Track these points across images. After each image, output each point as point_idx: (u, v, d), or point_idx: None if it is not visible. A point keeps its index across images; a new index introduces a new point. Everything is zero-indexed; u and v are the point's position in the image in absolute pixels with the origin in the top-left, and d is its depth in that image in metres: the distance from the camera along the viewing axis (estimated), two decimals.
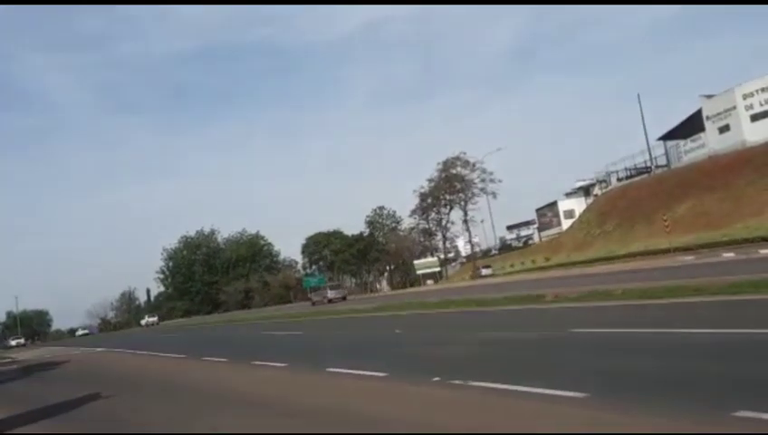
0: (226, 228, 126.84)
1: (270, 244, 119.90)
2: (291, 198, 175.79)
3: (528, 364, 9.23)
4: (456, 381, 8.13)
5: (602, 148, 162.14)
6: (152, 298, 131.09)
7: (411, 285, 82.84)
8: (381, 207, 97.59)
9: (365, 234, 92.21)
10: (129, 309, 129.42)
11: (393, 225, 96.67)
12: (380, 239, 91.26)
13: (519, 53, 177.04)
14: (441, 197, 75.23)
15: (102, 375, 18.28)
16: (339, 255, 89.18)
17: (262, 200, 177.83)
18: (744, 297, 13.72)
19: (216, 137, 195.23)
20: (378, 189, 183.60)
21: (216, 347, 23.06)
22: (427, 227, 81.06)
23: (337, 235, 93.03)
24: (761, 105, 52.38)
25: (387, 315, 24.52)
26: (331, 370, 10.98)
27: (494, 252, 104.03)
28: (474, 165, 72.75)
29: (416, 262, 77.86)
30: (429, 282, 79.32)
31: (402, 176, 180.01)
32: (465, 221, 75.80)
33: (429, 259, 78.44)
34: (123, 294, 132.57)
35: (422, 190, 76.55)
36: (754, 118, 52.73)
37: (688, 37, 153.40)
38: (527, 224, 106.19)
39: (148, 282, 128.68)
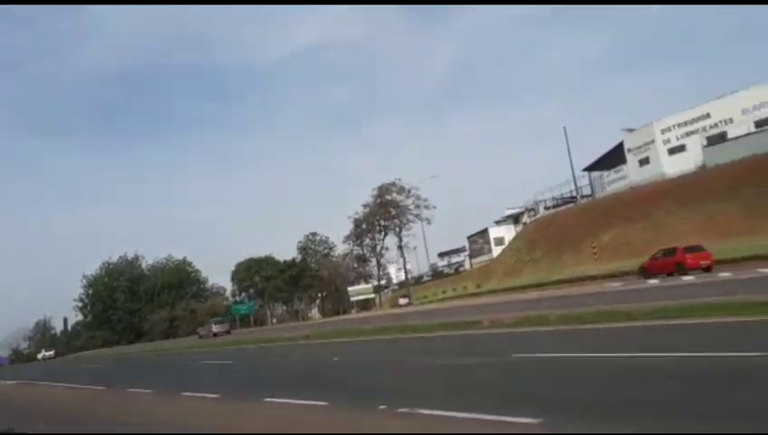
0: (152, 254, 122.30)
1: (197, 270, 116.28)
2: (221, 224, 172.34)
3: (477, 390, 9.03)
4: (403, 410, 7.82)
5: (531, 177, 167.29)
6: (69, 327, 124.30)
7: (344, 313, 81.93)
8: (314, 234, 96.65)
9: (297, 260, 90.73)
10: (45, 339, 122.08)
11: (326, 251, 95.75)
12: (313, 265, 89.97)
13: (451, 84, 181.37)
14: (376, 222, 75.15)
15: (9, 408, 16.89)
16: (270, 281, 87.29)
17: (190, 226, 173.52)
18: (672, 322, 14.08)
19: (142, 161, 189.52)
20: (311, 215, 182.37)
21: (141, 376, 21.82)
22: (361, 253, 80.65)
23: (269, 261, 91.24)
24: (677, 139, 55.20)
25: (324, 343, 23.95)
26: (269, 400, 10.45)
27: (426, 278, 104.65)
28: (409, 191, 73.35)
29: (350, 289, 77.15)
30: (354, 311, 78.73)
31: (336, 201, 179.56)
32: (400, 247, 75.88)
33: (364, 286, 77.91)
34: (38, 324, 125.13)
35: (356, 216, 76.53)
36: (672, 151, 55.48)
37: (614, 73, 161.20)
38: (458, 251, 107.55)
39: (67, 311, 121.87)
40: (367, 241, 77.87)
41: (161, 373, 22.70)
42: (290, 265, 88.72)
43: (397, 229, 74.46)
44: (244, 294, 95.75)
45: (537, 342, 14.64)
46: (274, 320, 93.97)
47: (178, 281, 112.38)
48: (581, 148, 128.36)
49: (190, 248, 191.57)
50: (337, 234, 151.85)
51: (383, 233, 76.07)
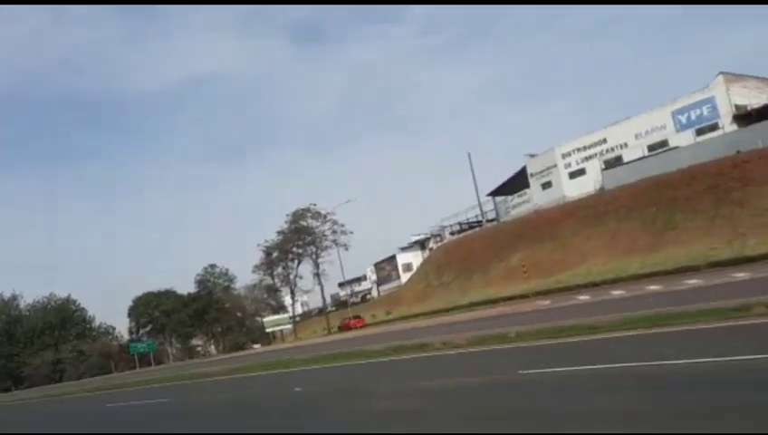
0: (31, 293, 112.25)
1: (83, 309, 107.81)
2: (112, 260, 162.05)
3: (504, 414, 8.23)
4: None
5: (436, 204, 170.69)
6: None
7: (241, 348, 78.45)
8: (213, 266, 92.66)
9: (202, 293, 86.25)
10: None
11: (226, 283, 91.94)
12: (222, 298, 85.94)
13: (344, 114, 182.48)
14: (289, 250, 72.97)
15: None
16: (172, 316, 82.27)
17: (76, 263, 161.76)
18: (640, 332, 14.06)
19: (20, 194, 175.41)
20: (212, 247, 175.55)
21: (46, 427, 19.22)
22: (271, 282, 77.88)
23: (169, 294, 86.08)
24: (577, 163, 58.01)
25: (269, 374, 22.33)
26: None
27: (330, 309, 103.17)
28: (325, 216, 71.99)
29: (266, 319, 74.06)
30: (257, 346, 75.78)
31: (239, 232, 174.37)
32: (317, 274, 73.96)
33: (280, 316, 75.15)
34: None
35: (267, 244, 74.06)
36: (572, 175, 58.19)
37: (511, 101, 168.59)
38: (358, 280, 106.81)
39: None
40: (279, 270, 75.42)
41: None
42: (194, 297, 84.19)
43: (313, 256, 72.67)
44: (142, 331, 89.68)
45: (520, 358, 14.10)
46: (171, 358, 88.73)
47: (61, 321, 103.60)
48: (486, 174, 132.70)
49: (76, 286, 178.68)
50: (240, 265, 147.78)
51: (296, 261, 74.05)
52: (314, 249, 72.34)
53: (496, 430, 7.06)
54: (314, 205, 72.59)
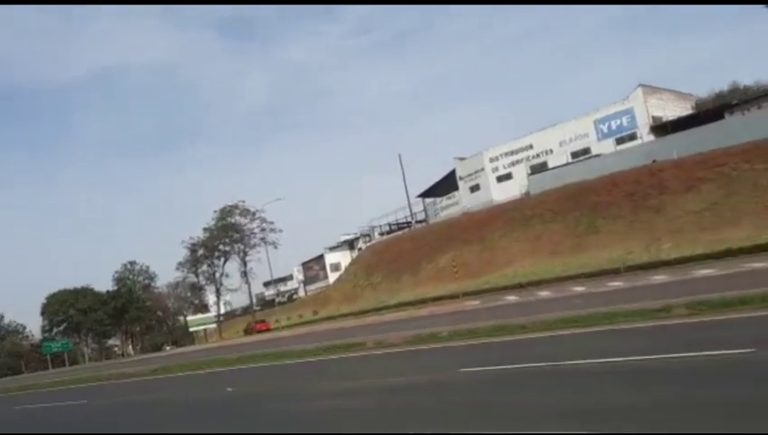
0: None
1: None
2: (23, 257, 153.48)
3: (451, 411, 8.30)
4: None
5: (366, 204, 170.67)
6: None
7: (160, 348, 75.98)
8: (133, 263, 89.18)
9: (121, 290, 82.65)
10: None
11: (146, 281, 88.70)
12: (141, 296, 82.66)
13: (273, 111, 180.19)
14: (216, 247, 71.11)
15: None
16: (89, 314, 78.45)
17: None
18: (573, 332, 14.52)
19: None
20: (132, 244, 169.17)
21: None
22: (195, 280, 75.70)
23: (86, 292, 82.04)
24: (504, 168, 59.50)
25: (199, 374, 21.62)
26: None
27: (255, 308, 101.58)
28: (254, 214, 70.60)
29: (190, 318, 71.79)
30: (168, 347, 73.66)
31: (161, 228, 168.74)
32: (245, 273, 72.46)
33: (205, 316, 73.03)
34: None
35: (192, 241, 71.93)
36: (500, 179, 59.63)
37: (447, 103, 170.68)
38: (284, 280, 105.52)
39: None
40: (205, 267, 73.43)
41: None
42: (113, 295, 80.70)
43: (241, 254, 71.11)
44: (55, 330, 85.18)
45: (455, 356, 14.27)
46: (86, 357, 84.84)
47: None
48: (416, 176, 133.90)
49: None
50: (162, 263, 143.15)
51: (223, 258, 72.31)
52: (242, 247, 70.96)
53: (453, 429, 7.09)
54: (243, 202, 71.33)
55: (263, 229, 70.40)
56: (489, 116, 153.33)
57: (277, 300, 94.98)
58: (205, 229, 71.36)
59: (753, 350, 8.46)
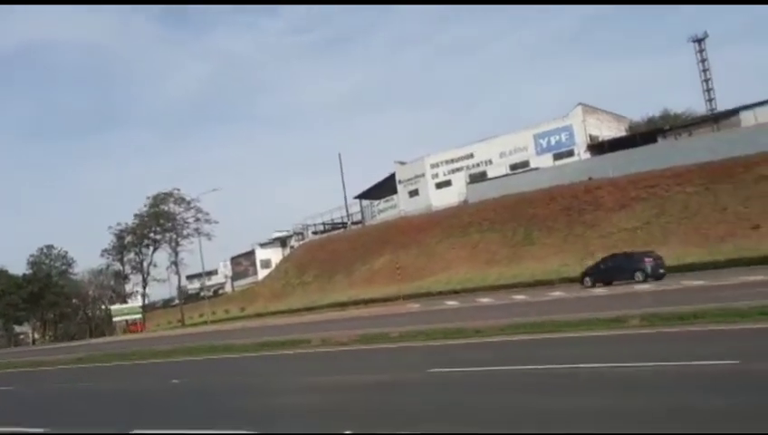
0: None
1: None
2: None
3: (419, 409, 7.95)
4: None
5: (302, 202, 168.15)
6: None
7: (72, 338, 72.15)
8: (50, 247, 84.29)
9: (39, 274, 77.62)
10: None
11: (64, 267, 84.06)
12: (59, 281, 78.01)
13: (210, 102, 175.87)
14: (146, 235, 68.06)
15: None
16: (3, 297, 73.29)
17: None
18: (529, 337, 14.53)
19: None
20: (50, 228, 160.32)
21: None
22: (120, 269, 72.08)
23: (0, 273, 76.80)
24: (444, 175, 59.99)
25: (138, 365, 20.41)
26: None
27: (176, 302, 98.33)
28: (189, 203, 67.71)
29: (114, 307, 68.26)
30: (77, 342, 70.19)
31: (85, 213, 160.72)
32: (175, 263, 69.69)
33: (130, 305, 69.61)
34: None
35: (120, 228, 68.59)
36: (439, 186, 60.06)
37: (390, 107, 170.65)
38: (209, 274, 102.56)
39: None
40: (132, 256, 70.17)
41: None
42: (30, 279, 75.89)
43: (172, 244, 68.40)
44: None
45: (420, 356, 13.97)
46: None
47: None
48: (354, 177, 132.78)
49: None
50: (84, 249, 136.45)
51: (153, 247, 69.32)
52: (174, 236, 68.33)
53: (441, 430, 6.75)
54: (178, 190, 68.72)
55: (197, 219, 68.06)
56: (428, 123, 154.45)
57: (202, 294, 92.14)
58: (136, 215, 68.54)
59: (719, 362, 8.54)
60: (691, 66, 65.06)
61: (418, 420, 7.26)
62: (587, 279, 30.92)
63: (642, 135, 49.40)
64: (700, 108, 60.81)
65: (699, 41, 67.60)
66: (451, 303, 31.52)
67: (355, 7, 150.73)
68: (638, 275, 27.96)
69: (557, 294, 27.28)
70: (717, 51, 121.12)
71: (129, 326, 66.45)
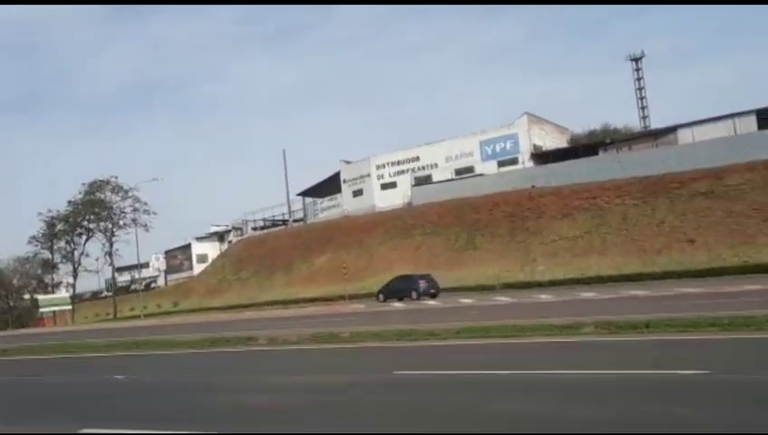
0: None
1: None
2: None
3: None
4: None
5: (242, 197, 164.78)
6: None
7: None
8: None
9: None
10: None
11: None
12: None
13: (144, 90, 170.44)
14: (79, 223, 64.87)
15: None
16: None
17: None
18: (484, 341, 14.42)
19: None
20: None
21: None
22: (49, 257, 68.48)
23: None
24: (390, 176, 59.88)
25: (70, 358, 19.18)
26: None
27: (105, 294, 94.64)
28: (127, 192, 65.27)
29: (41, 297, 64.65)
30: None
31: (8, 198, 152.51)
32: (110, 254, 66.73)
33: (60, 296, 66.05)
34: None
35: (51, 214, 65.20)
36: (384, 187, 59.92)
37: (336, 105, 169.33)
38: (138, 266, 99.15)
39: None
40: (62, 244, 66.81)
41: None
42: None
43: (108, 233, 65.52)
44: None
45: (376, 358, 13.60)
46: None
47: None
48: (298, 174, 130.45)
49: None
50: (5, 236, 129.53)
51: (86, 236, 66.23)
52: (110, 226, 65.58)
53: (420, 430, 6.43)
54: (116, 177, 66.03)
55: (135, 209, 65.56)
56: (378, 123, 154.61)
57: (134, 287, 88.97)
58: (69, 202, 65.37)
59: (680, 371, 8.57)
60: (628, 84, 67.45)
61: (404, 420, 6.93)
62: (380, 295, 36.37)
63: (584, 147, 50.77)
64: (635, 124, 63.28)
65: (636, 60, 70.43)
66: (397, 304, 31.34)
67: (304, 7, 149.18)
68: (413, 294, 34.22)
69: (503, 299, 27.45)
70: (654, 70, 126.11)
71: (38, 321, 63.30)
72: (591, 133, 58.43)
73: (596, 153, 49.26)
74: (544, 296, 26.38)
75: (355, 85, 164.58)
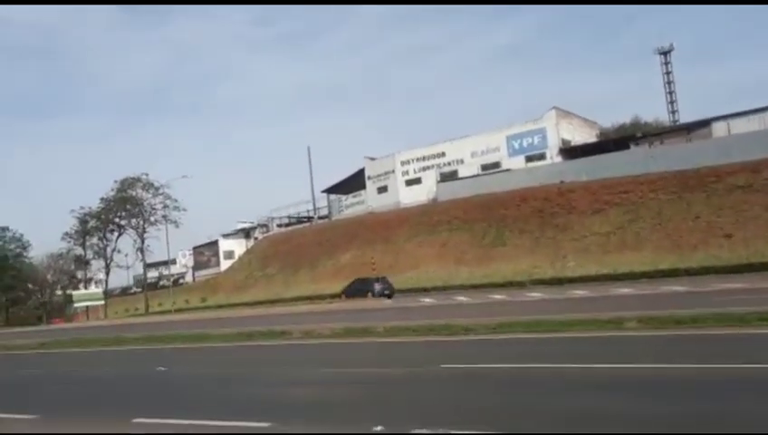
0: None
1: None
2: None
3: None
4: None
5: (268, 194, 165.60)
6: None
7: (25, 323, 69.39)
8: (5, 229, 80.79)
9: None
10: None
11: (18, 250, 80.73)
12: (14, 264, 74.77)
13: (167, 90, 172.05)
14: (111, 220, 65.61)
15: None
16: None
17: None
18: (528, 336, 14.02)
19: None
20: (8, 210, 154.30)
21: None
22: (81, 254, 69.26)
23: None
24: (415, 172, 59.51)
25: (115, 351, 19.25)
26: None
27: (135, 290, 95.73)
28: (157, 189, 65.59)
29: (75, 292, 65.46)
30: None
31: (45, 196, 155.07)
32: (141, 250, 67.31)
33: (92, 291, 66.93)
34: None
35: (84, 211, 65.96)
36: (409, 183, 59.57)
37: (362, 104, 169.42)
38: (165, 263, 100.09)
39: None
40: (95, 240, 67.56)
41: None
42: None
43: (139, 230, 66.15)
44: None
45: (453, 350, 13.29)
46: None
47: None
48: (323, 171, 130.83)
49: None
50: (44, 232, 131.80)
51: (118, 233, 66.96)
52: (141, 222, 66.13)
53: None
54: (146, 175, 66.64)
55: (165, 206, 65.99)
56: (405, 121, 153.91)
57: (162, 283, 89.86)
58: (102, 199, 66.19)
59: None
60: (657, 78, 66.18)
61: (451, 417, 6.63)
62: (343, 295, 39.51)
63: (615, 141, 49.82)
64: (664, 118, 62.06)
65: (665, 53, 68.95)
66: (427, 300, 30.98)
67: (326, 7, 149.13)
68: (369, 295, 36.40)
69: (535, 295, 26.97)
70: (685, 64, 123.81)
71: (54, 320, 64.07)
72: (621, 127, 57.45)
73: (626, 147, 48.26)
74: (579, 292, 25.83)
75: (377, 84, 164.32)
